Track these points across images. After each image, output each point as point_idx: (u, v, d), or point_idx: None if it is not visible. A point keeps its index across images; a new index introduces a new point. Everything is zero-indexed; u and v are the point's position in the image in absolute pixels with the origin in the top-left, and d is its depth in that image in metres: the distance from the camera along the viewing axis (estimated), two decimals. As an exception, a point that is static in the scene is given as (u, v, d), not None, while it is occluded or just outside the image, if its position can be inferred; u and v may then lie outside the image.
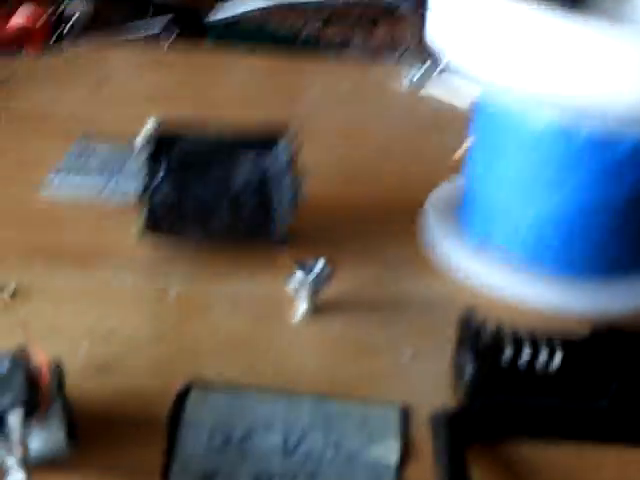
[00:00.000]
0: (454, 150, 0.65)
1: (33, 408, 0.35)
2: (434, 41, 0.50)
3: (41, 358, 0.37)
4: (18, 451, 0.34)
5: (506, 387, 0.40)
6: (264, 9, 0.92)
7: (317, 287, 0.47)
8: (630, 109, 0.42)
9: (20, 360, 0.37)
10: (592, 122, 0.44)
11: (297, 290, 0.47)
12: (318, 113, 0.73)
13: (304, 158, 0.53)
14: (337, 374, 0.44)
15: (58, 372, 0.37)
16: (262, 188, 0.50)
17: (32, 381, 0.36)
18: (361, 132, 0.71)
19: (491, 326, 0.42)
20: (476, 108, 0.54)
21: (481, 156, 0.53)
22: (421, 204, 0.58)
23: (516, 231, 0.51)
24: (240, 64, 0.83)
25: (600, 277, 0.51)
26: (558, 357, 0.40)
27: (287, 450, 0.39)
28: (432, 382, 0.43)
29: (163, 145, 0.50)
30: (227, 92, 0.78)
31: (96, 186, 0.57)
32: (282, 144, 0.51)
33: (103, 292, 0.48)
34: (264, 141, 0.51)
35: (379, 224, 0.57)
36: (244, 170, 0.50)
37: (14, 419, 0.35)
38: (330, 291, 0.48)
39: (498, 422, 0.40)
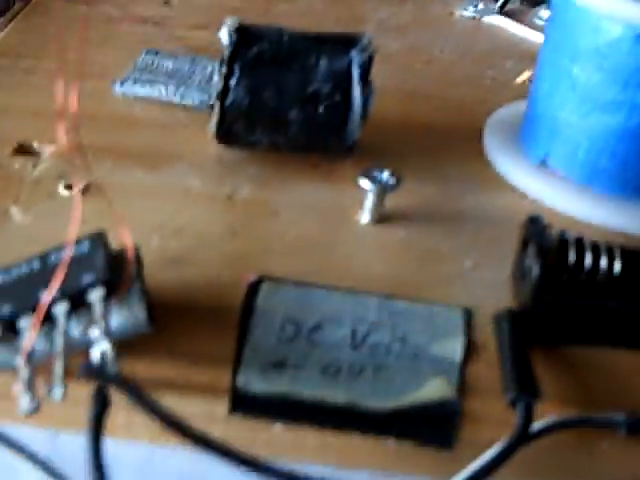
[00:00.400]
0: (514, 77, 0.65)
1: (114, 287, 0.36)
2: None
3: (125, 238, 0.38)
4: (101, 323, 0.35)
5: (570, 288, 0.41)
6: None
7: (382, 196, 0.48)
8: None
9: (100, 241, 0.38)
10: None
11: (362, 198, 0.48)
12: (380, 38, 0.73)
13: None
14: (401, 277, 0.45)
15: (137, 254, 0.38)
16: (335, 95, 0.50)
17: (112, 261, 0.37)
18: (423, 56, 0.72)
19: (557, 230, 0.42)
20: (548, 22, 0.54)
21: (548, 73, 0.53)
22: (482, 125, 0.59)
23: (574, 153, 0.52)
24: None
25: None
26: (619, 264, 0.41)
27: (355, 343, 0.40)
28: (493, 290, 0.44)
29: (239, 48, 0.50)
30: (291, 15, 0.78)
31: (164, 94, 0.57)
32: (357, 50, 0.51)
33: (172, 192, 0.49)
34: (339, 46, 0.51)
35: (441, 142, 0.58)
36: (318, 76, 0.50)
37: (95, 296, 0.36)
38: (394, 202, 0.49)
39: (560, 323, 0.41)
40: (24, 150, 0.52)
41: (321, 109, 0.50)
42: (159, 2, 0.76)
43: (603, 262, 0.41)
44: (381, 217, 0.48)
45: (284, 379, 0.38)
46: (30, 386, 0.33)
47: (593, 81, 0.49)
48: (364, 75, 0.51)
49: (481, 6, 0.81)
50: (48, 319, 0.35)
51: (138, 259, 0.38)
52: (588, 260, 0.41)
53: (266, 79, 0.50)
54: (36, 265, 0.38)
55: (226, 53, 0.50)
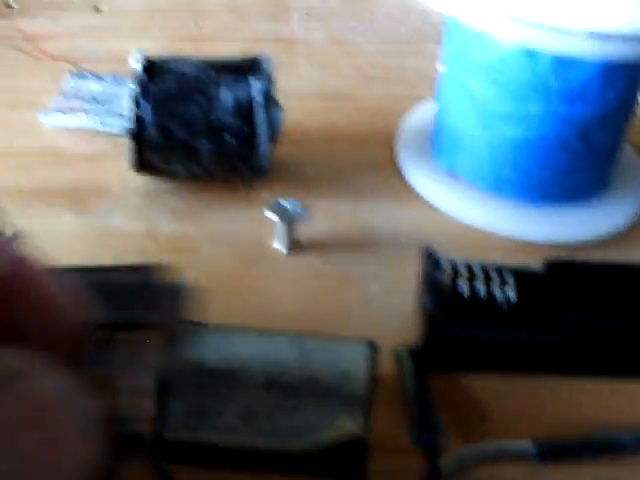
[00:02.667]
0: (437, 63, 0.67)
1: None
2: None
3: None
4: None
5: (464, 320, 0.43)
6: None
7: (291, 227, 0.50)
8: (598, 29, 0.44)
9: None
10: (558, 43, 0.46)
11: (274, 230, 0.50)
12: (305, 30, 0.75)
13: (283, 83, 0.55)
14: (312, 310, 0.47)
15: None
16: (239, 123, 0.52)
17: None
18: (347, 48, 0.73)
19: (451, 261, 0.45)
20: (445, 35, 0.55)
21: (449, 86, 0.55)
22: (399, 126, 0.61)
23: (479, 164, 0.54)
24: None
25: (559, 205, 0.54)
26: (514, 291, 0.43)
27: (269, 386, 0.42)
28: (399, 317, 0.47)
29: (146, 84, 0.52)
30: (217, 11, 0.79)
31: (87, 123, 0.59)
32: (256, 76, 0.53)
33: (97, 232, 0.51)
34: (239, 75, 0.53)
35: (358, 150, 0.60)
36: (221, 105, 0.52)
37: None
38: (307, 228, 0.51)
39: (457, 354, 0.44)
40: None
41: (227, 138, 0.52)
42: (89, 10, 0.76)
43: (496, 293, 0.44)
44: (295, 245, 0.50)
45: (205, 427, 0.41)
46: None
47: (490, 95, 0.51)
48: (266, 99, 0.53)
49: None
50: None
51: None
52: (481, 292, 0.43)
53: (174, 113, 0.52)
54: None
55: (134, 90, 0.52)
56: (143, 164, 0.53)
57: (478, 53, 0.50)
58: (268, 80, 0.53)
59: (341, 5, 0.80)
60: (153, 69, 0.53)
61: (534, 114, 0.50)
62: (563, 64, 0.47)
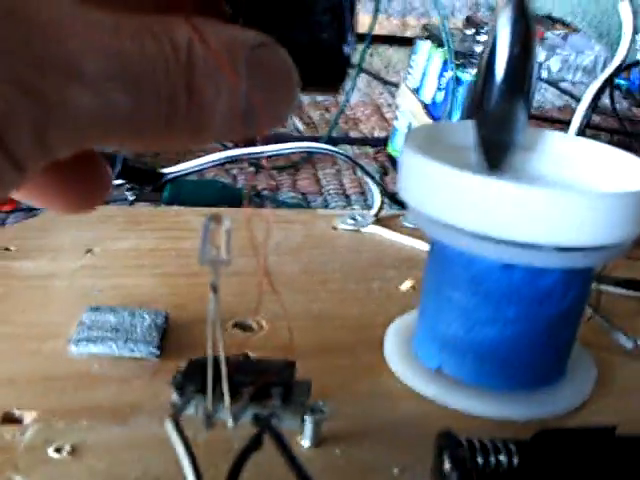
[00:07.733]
0: (397, 285, 0.78)
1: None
2: (403, 195, 0.61)
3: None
4: None
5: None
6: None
7: (318, 425, 0.57)
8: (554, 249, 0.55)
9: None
10: (525, 259, 0.56)
11: (302, 426, 0.57)
12: (278, 262, 0.85)
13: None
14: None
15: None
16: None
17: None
18: (318, 277, 0.83)
19: (466, 439, 0.53)
20: (430, 257, 0.66)
21: (433, 300, 0.65)
22: (382, 336, 0.71)
23: (462, 362, 0.64)
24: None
25: (534, 389, 0.64)
26: (515, 459, 0.51)
27: None
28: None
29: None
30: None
31: (115, 350, 0.66)
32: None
33: (141, 442, 0.57)
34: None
35: (350, 359, 0.68)
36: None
37: None
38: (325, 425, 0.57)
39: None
40: (9, 419, 0.58)
41: None
42: (82, 251, 0.85)
43: (503, 463, 0.52)
44: (318, 441, 0.57)
45: None
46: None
47: (472, 303, 0.61)
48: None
49: (359, 217, 0.94)
50: None
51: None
52: (492, 460, 0.52)
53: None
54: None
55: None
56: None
57: (459, 269, 0.61)
58: None
59: (303, 241, 0.90)
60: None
61: (510, 317, 0.60)
62: (533, 273, 0.58)
